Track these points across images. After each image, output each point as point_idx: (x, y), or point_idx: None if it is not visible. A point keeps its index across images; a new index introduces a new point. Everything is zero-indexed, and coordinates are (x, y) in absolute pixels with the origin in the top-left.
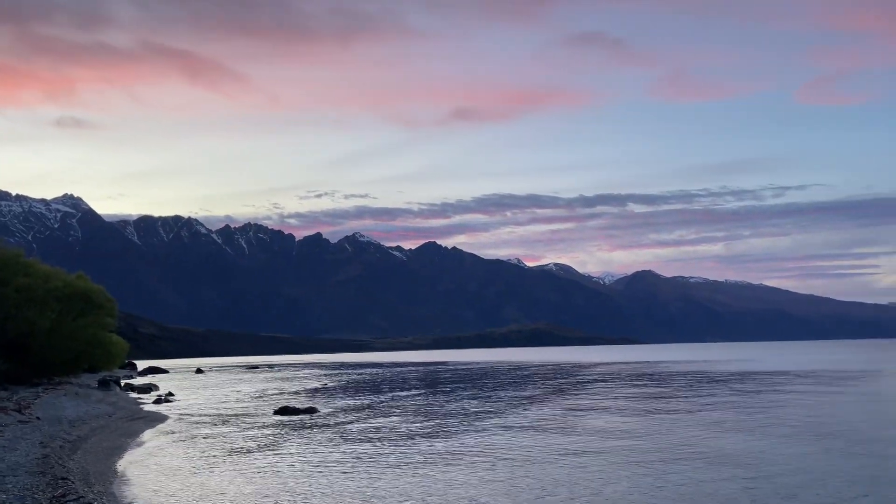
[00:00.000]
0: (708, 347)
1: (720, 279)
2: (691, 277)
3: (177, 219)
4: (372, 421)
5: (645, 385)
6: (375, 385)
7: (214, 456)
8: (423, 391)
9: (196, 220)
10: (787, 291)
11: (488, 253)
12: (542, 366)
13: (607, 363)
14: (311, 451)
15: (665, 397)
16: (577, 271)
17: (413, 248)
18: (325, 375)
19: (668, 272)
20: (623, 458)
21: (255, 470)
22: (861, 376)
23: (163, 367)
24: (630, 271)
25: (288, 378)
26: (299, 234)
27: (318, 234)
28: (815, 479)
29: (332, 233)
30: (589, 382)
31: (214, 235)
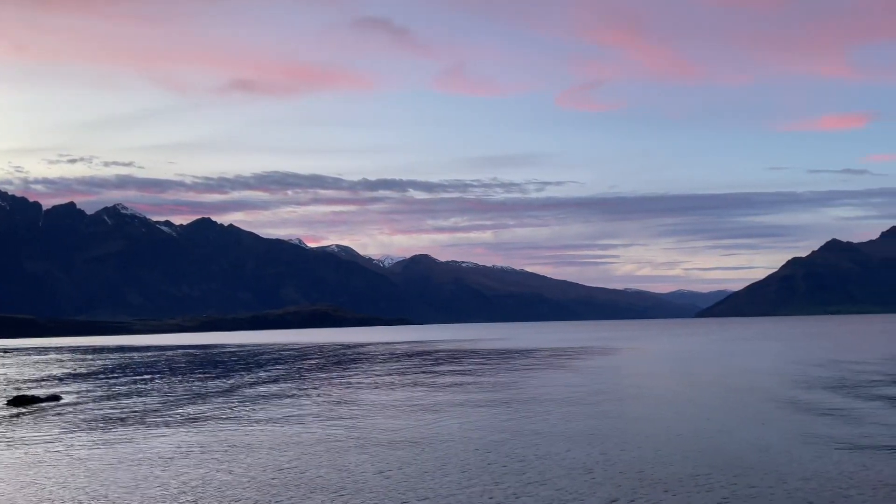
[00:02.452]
0: (475, 327)
1: (489, 264)
2: (464, 262)
3: None
4: (120, 410)
5: (389, 364)
6: (130, 370)
7: None
8: (180, 377)
9: None
10: (544, 277)
11: (268, 232)
12: (309, 347)
13: (371, 343)
14: (44, 445)
15: (414, 373)
16: (358, 253)
17: (185, 223)
18: (74, 361)
19: (443, 257)
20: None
21: None
22: (592, 352)
23: None
24: (409, 255)
25: (28, 364)
26: (47, 203)
27: (72, 204)
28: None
29: (89, 203)
30: (347, 363)
31: None
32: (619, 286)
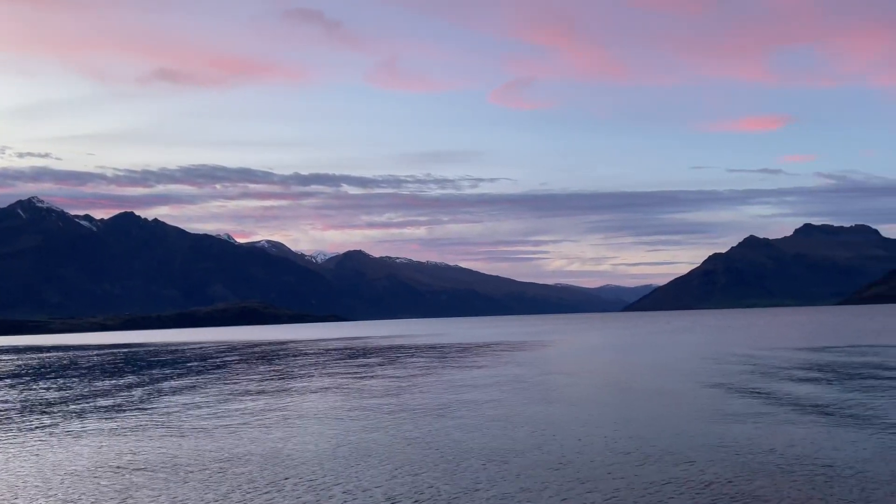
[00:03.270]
0: (408, 323)
1: (423, 260)
2: (398, 258)
3: None
4: (20, 415)
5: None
6: (41, 371)
7: None
8: (94, 378)
9: None
10: (477, 272)
11: (195, 227)
12: (228, 345)
13: (297, 340)
14: None
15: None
16: (289, 249)
17: (106, 218)
18: None
19: (376, 252)
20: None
21: None
22: (522, 346)
23: None
24: (342, 251)
25: None
26: None
27: None
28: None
29: (1, 196)
30: (260, 362)
31: None
32: (550, 281)
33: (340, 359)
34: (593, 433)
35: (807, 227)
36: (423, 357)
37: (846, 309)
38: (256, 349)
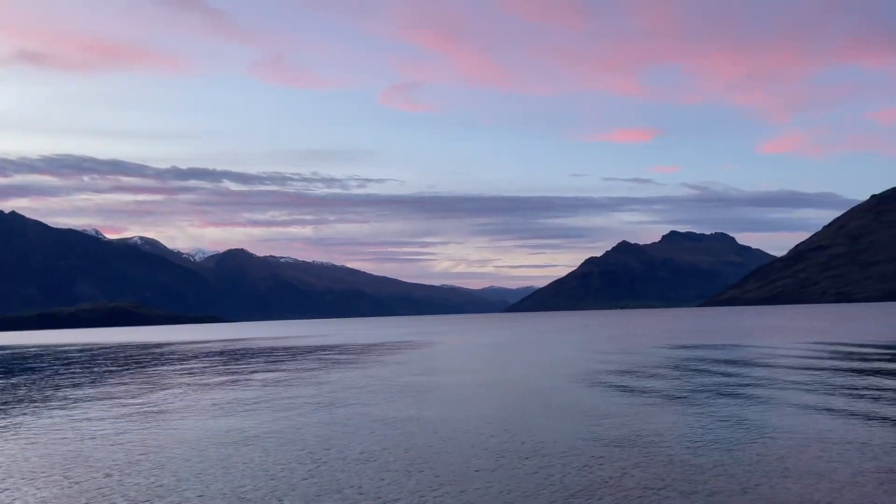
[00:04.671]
0: (292, 324)
1: (308, 260)
2: (282, 257)
3: None
4: None
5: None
6: None
7: None
8: None
9: None
10: (364, 273)
11: (59, 221)
12: (83, 348)
13: (170, 343)
14: None
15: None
16: (165, 246)
17: None
18: None
19: (259, 251)
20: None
21: None
22: (407, 346)
23: None
24: (222, 249)
25: None
26: None
27: None
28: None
29: None
30: (117, 367)
31: None
32: (437, 282)
33: (218, 361)
34: (463, 431)
35: (673, 233)
36: (304, 359)
37: (706, 310)
38: (124, 352)
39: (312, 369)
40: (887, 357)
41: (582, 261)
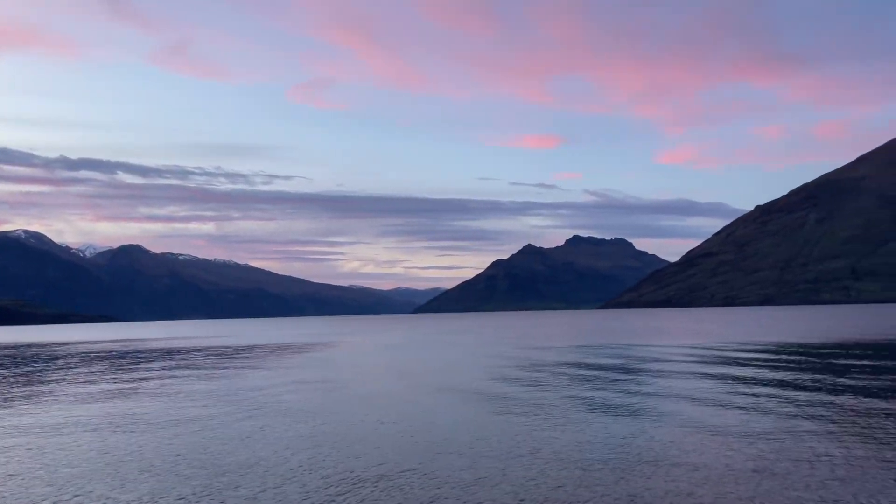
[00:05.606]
0: (190, 324)
1: (209, 258)
2: (181, 255)
3: None
4: None
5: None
6: None
7: None
8: None
9: None
10: (269, 272)
11: None
12: None
13: (49, 344)
14: None
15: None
16: (52, 241)
17: None
18: None
19: (157, 248)
20: None
21: None
22: (311, 347)
23: None
24: (116, 245)
25: None
26: None
27: None
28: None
29: None
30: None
31: None
32: (345, 283)
33: (107, 363)
34: (359, 433)
35: (575, 238)
36: (201, 360)
37: (604, 312)
38: (2, 352)
39: (211, 372)
40: (762, 358)
41: (489, 263)
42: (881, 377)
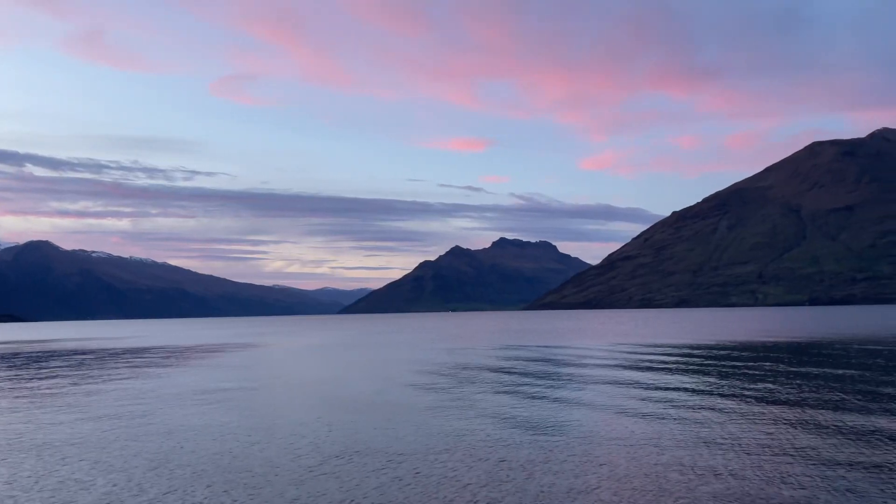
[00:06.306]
0: (102, 324)
1: (125, 255)
2: (94, 252)
3: None
4: None
5: None
6: None
7: None
8: None
9: None
10: (188, 271)
11: None
12: None
13: None
14: None
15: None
16: None
17: None
18: None
19: (68, 244)
20: None
21: None
22: (230, 348)
23: None
24: (22, 240)
25: None
26: None
27: None
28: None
29: None
30: None
31: None
32: (268, 282)
33: (8, 366)
34: (280, 438)
35: (502, 240)
36: (113, 363)
37: (528, 313)
38: None
39: (123, 375)
40: (675, 357)
41: (416, 264)
42: (784, 379)
